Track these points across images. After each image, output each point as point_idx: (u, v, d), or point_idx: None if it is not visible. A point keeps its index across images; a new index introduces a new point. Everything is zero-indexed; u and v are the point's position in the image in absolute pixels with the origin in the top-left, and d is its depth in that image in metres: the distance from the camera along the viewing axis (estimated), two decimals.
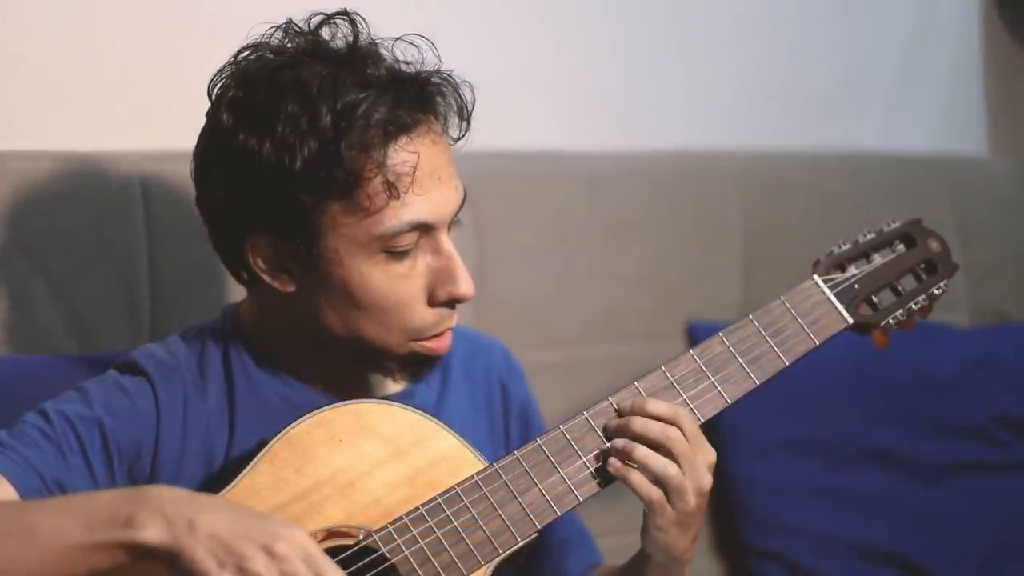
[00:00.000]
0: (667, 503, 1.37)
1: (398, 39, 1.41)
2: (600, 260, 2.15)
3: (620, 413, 1.40)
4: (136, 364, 1.44)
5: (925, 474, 2.14)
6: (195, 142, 1.43)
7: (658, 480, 1.37)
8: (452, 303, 1.42)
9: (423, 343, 1.43)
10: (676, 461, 1.37)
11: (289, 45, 1.40)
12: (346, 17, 1.41)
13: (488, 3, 2.22)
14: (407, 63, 1.41)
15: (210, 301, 1.73)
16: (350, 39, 1.40)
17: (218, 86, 1.40)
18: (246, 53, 1.41)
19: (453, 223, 1.43)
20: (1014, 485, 2.16)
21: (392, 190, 1.35)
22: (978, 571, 2.11)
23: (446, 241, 1.41)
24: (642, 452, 1.37)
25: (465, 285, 1.41)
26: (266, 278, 1.41)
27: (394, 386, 1.52)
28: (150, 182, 1.73)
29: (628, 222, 2.18)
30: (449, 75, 1.42)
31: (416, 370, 1.46)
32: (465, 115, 1.44)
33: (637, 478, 1.37)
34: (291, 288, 1.41)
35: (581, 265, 2.14)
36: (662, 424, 1.38)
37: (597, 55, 2.33)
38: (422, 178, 1.37)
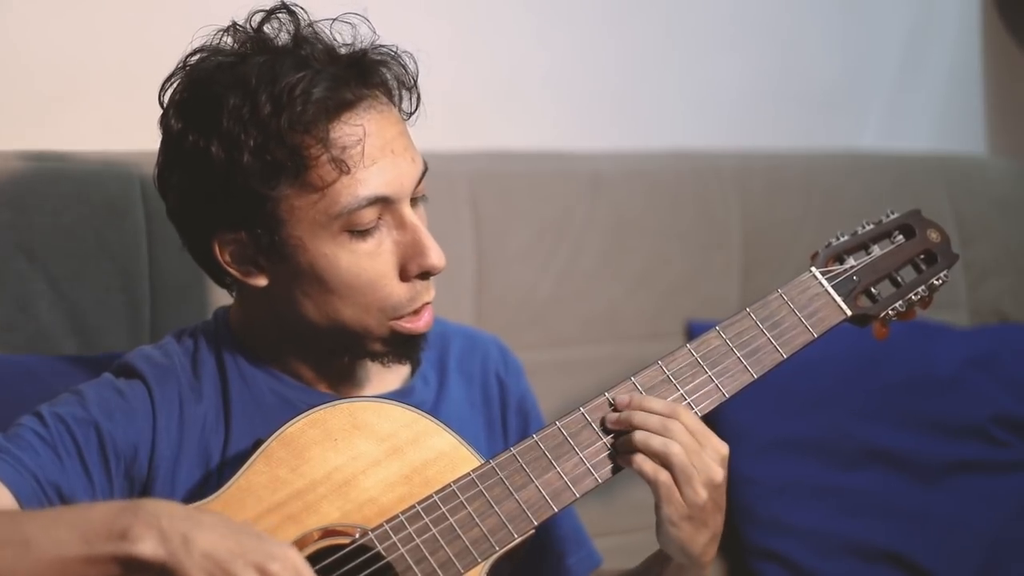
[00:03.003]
0: (675, 488, 1.36)
1: (335, 20, 1.42)
2: (600, 260, 2.15)
3: (617, 410, 1.40)
4: (131, 366, 1.44)
5: (925, 474, 2.14)
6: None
7: (661, 461, 1.36)
8: (425, 276, 1.42)
9: (401, 322, 1.42)
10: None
11: (236, 46, 1.41)
12: (285, 10, 1.42)
13: (489, 3, 2.23)
14: (348, 44, 1.41)
15: (210, 301, 1.74)
16: (293, 32, 1.41)
17: (167, 92, 1.42)
18: (192, 57, 1.41)
19: (420, 199, 1.43)
20: (1014, 485, 2.16)
21: (341, 166, 1.35)
22: (978, 571, 2.11)
23: (410, 214, 1.40)
24: (641, 434, 1.37)
25: (435, 256, 1.40)
26: (237, 275, 1.41)
27: (389, 379, 1.52)
28: (150, 182, 1.71)
29: (628, 222, 2.18)
30: (390, 48, 1.43)
31: (402, 352, 1.45)
32: (410, 84, 1.44)
33: (642, 459, 1.37)
34: (264, 282, 1.41)
35: (581, 265, 2.14)
36: (661, 416, 1.38)
37: (597, 55, 2.34)
38: (372, 151, 1.37)
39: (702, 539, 1.39)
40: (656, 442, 1.36)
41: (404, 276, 1.41)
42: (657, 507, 1.38)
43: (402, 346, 1.44)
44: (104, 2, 1.87)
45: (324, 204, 1.36)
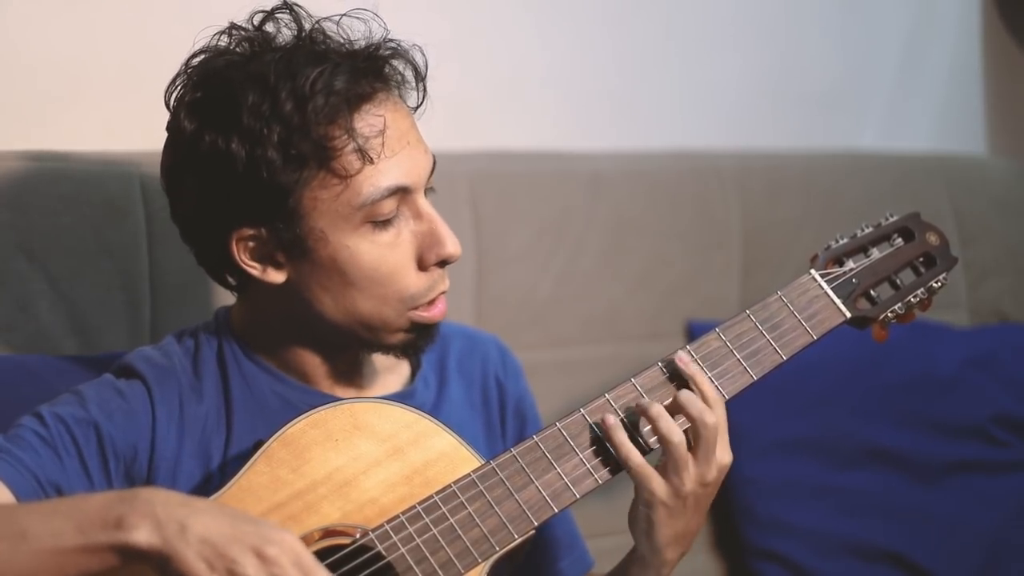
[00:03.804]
0: (683, 458, 1.36)
1: (343, 16, 1.43)
2: (600, 260, 2.15)
3: (672, 376, 1.41)
4: (131, 367, 1.44)
5: (925, 474, 2.14)
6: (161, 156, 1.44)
7: (693, 423, 1.37)
8: (442, 264, 1.43)
9: (418, 311, 1.43)
10: (695, 441, 1.37)
11: (236, 48, 1.41)
12: (286, 9, 1.42)
13: (489, 4, 2.23)
14: (355, 41, 1.42)
15: (211, 301, 1.73)
16: (294, 30, 1.42)
17: (174, 95, 1.41)
18: (195, 59, 1.42)
19: (428, 190, 1.44)
20: (1014, 485, 2.16)
21: (365, 156, 1.36)
22: (978, 571, 2.11)
23: (425, 204, 1.42)
24: (687, 395, 1.38)
25: (452, 244, 1.42)
26: (255, 273, 1.41)
27: (390, 381, 1.52)
28: (150, 182, 1.73)
29: (628, 222, 2.18)
30: (398, 42, 1.43)
31: (417, 343, 1.46)
32: (420, 78, 1.45)
33: (668, 422, 1.37)
34: (281, 279, 1.41)
35: (581, 265, 2.14)
36: (703, 407, 1.38)
37: (597, 55, 2.34)
38: (391, 143, 1.38)
39: (669, 531, 1.39)
40: (697, 406, 1.37)
41: (422, 266, 1.42)
42: (639, 489, 1.38)
43: (418, 336, 1.45)
44: (104, 2, 1.87)
45: (347, 195, 1.37)
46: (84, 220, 1.70)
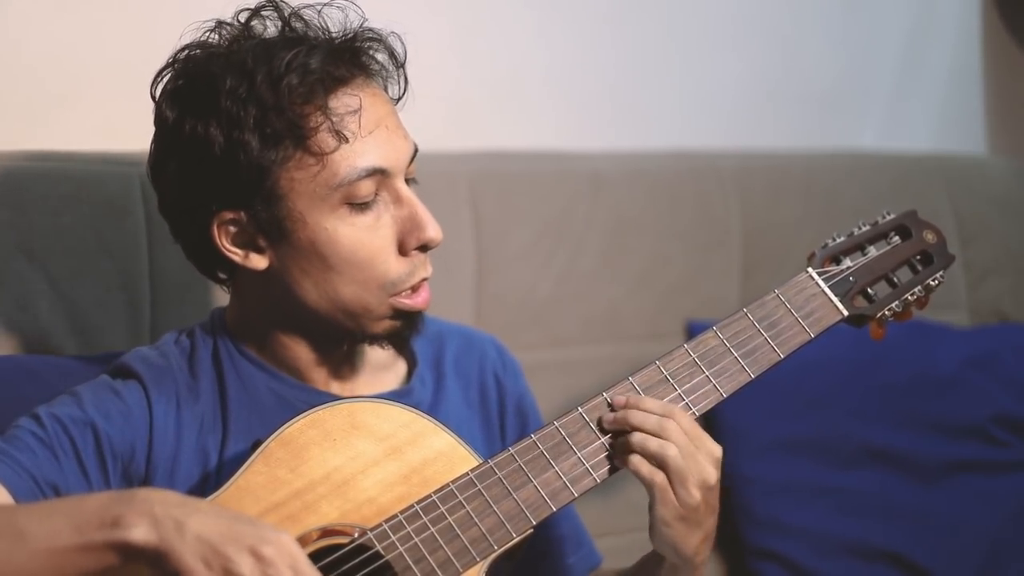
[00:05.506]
0: (670, 489, 1.36)
1: (325, 5, 1.44)
2: (600, 260, 2.15)
3: (614, 409, 1.40)
4: (127, 367, 1.45)
5: (925, 474, 2.14)
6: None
7: (657, 462, 1.36)
8: (423, 249, 1.43)
9: (400, 298, 1.43)
10: (671, 470, 1.37)
11: (223, 42, 1.42)
12: (272, 6, 1.44)
13: (489, 3, 2.23)
14: (336, 33, 1.43)
15: (210, 301, 1.74)
16: (279, 26, 1.43)
17: (159, 86, 1.43)
18: (182, 53, 1.43)
19: (411, 180, 1.45)
20: (1014, 485, 2.16)
21: (340, 135, 1.37)
22: (978, 571, 2.11)
23: (405, 189, 1.42)
24: (639, 436, 1.37)
25: (433, 229, 1.42)
26: (238, 260, 1.42)
27: (387, 380, 1.52)
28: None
29: (628, 222, 2.18)
30: (377, 30, 1.44)
31: (401, 331, 1.45)
32: (399, 64, 1.46)
33: (638, 460, 1.37)
34: (263, 264, 1.42)
35: (581, 265, 2.14)
36: (658, 417, 1.38)
37: (597, 55, 2.34)
38: (368, 124, 1.39)
39: (694, 540, 1.39)
40: (653, 444, 1.37)
41: (403, 251, 1.42)
42: (652, 508, 1.38)
43: (401, 324, 1.45)
44: (105, 2, 1.87)
45: (324, 176, 1.38)
46: (84, 220, 1.71)
